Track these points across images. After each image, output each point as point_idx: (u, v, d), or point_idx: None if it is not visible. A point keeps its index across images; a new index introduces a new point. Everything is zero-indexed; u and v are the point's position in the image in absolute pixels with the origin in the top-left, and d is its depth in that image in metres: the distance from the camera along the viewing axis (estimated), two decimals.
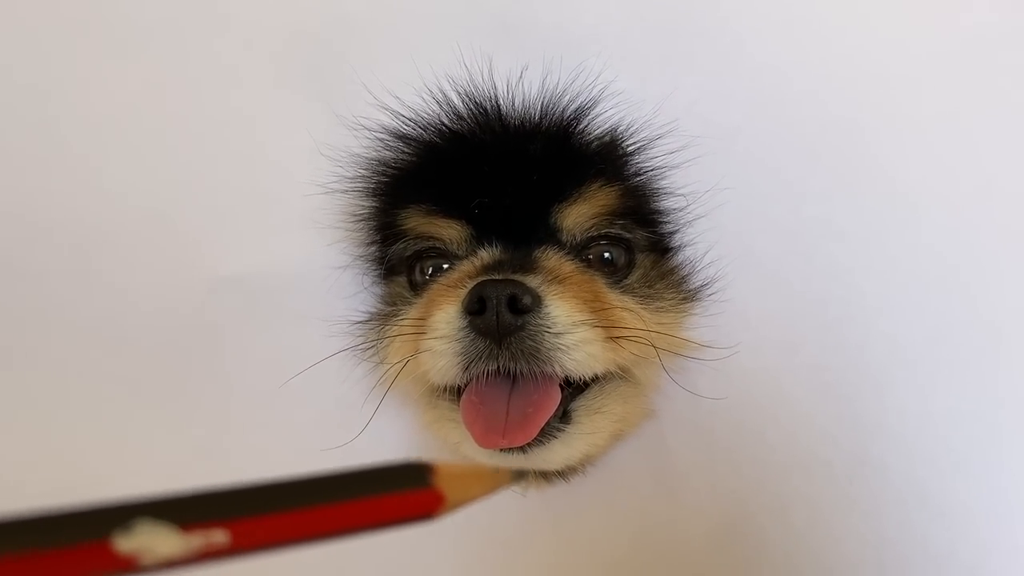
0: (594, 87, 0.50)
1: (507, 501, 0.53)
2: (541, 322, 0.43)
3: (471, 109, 0.48)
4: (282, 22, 0.53)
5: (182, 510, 0.21)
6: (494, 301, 0.42)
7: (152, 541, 0.20)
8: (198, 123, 0.55)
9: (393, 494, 0.24)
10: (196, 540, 0.20)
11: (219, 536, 0.21)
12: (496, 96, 0.48)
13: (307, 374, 0.51)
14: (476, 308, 0.43)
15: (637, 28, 0.57)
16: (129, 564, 0.20)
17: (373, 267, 0.54)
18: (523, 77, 0.49)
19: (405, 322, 0.49)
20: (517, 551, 0.54)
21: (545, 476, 0.53)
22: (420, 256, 0.53)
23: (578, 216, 0.49)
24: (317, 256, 0.54)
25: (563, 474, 0.53)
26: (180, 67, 0.56)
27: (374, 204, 0.52)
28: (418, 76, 0.49)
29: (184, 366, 0.54)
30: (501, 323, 0.42)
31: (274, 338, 0.55)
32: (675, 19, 0.58)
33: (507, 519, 0.54)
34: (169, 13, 0.56)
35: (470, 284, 0.45)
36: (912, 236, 0.55)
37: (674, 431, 0.54)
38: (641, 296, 0.50)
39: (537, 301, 0.43)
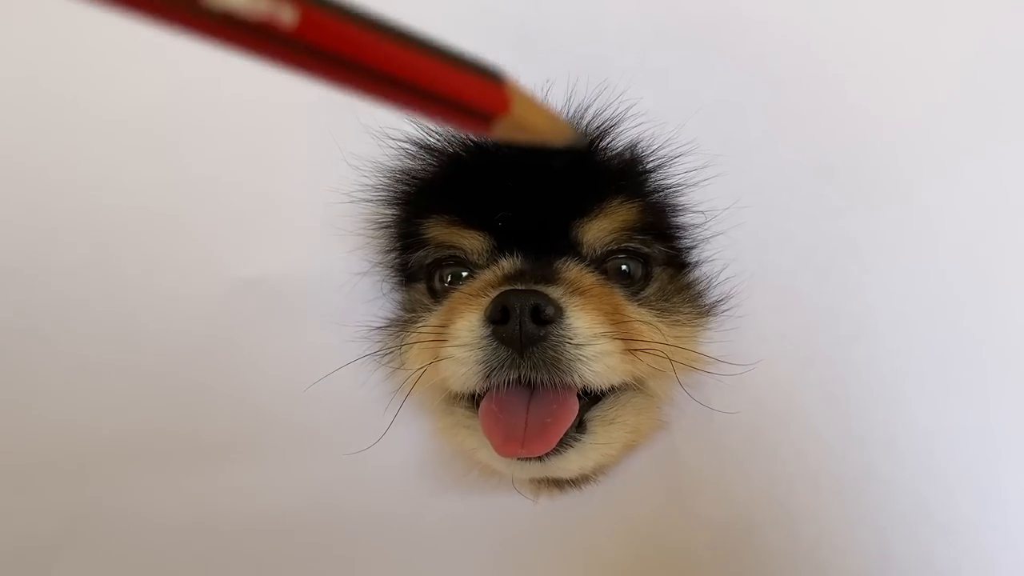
0: (617, 104, 0.53)
1: (519, 508, 0.56)
2: (563, 333, 0.46)
3: None
4: None
5: None
6: (517, 311, 0.45)
7: None
8: (222, 125, 0.58)
9: (465, 72, 0.24)
10: (263, 4, 0.20)
11: (287, 13, 0.20)
12: None
13: (325, 379, 0.54)
14: (499, 317, 0.46)
15: (658, 42, 0.60)
16: None
17: (393, 274, 0.57)
18: (548, 93, 0.51)
19: (425, 329, 0.51)
20: (527, 558, 0.56)
21: (558, 485, 0.55)
22: (440, 264, 0.55)
23: (598, 231, 0.52)
24: (337, 261, 0.57)
25: (575, 483, 0.55)
26: (206, 67, 0.59)
27: (397, 213, 0.54)
28: None
29: (201, 366, 0.56)
30: (524, 333, 0.45)
31: (292, 341, 0.57)
32: (696, 33, 0.61)
33: (518, 526, 0.57)
34: None
35: (493, 293, 0.47)
36: (927, 253, 0.58)
37: (686, 443, 0.57)
38: (658, 309, 0.53)
39: (559, 312, 0.46)
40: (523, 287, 0.47)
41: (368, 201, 0.54)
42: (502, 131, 0.25)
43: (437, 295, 0.55)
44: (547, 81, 0.54)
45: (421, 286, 0.57)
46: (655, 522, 0.57)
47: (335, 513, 0.56)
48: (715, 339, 0.55)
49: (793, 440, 0.56)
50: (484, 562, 0.56)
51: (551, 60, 0.58)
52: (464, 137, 0.51)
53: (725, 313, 0.55)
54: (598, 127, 0.51)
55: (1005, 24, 0.59)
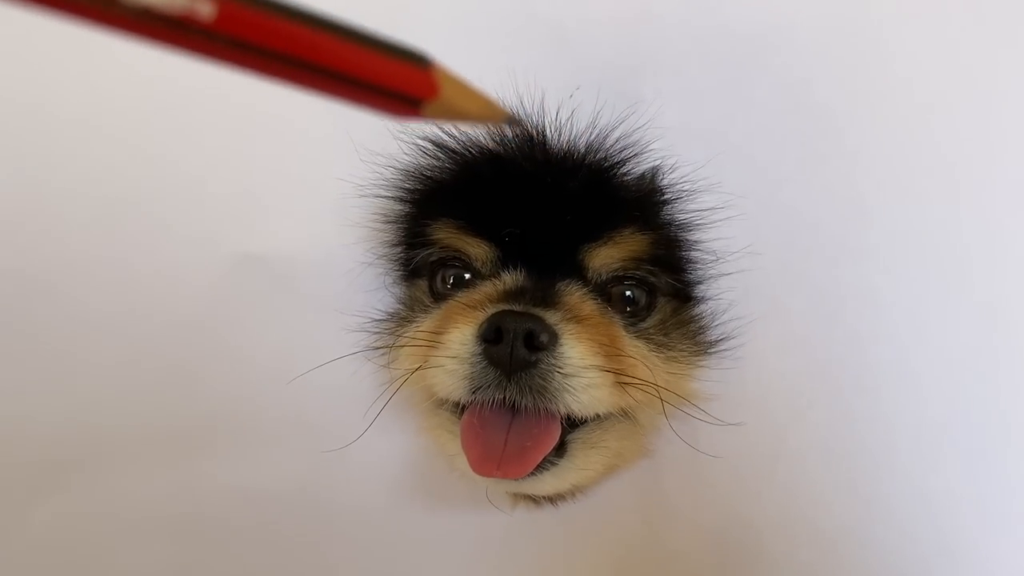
0: (643, 126, 0.51)
1: (493, 521, 0.56)
2: (554, 362, 0.45)
3: (516, 135, 0.49)
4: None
5: None
6: (511, 335, 0.45)
7: None
8: (242, 101, 0.57)
9: (390, 57, 0.24)
10: None
11: (205, 6, 0.21)
12: (543, 126, 0.49)
13: (316, 368, 0.54)
14: (492, 337, 0.45)
15: (697, 59, 0.58)
16: None
17: (396, 268, 0.57)
18: (573, 112, 0.50)
19: (419, 333, 0.51)
20: (499, 566, 0.57)
21: (534, 499, 0.56)
22: (444, 264, 0.55)
23: (606, 258, 0.51)
24: (342, 248, 0.57)
25: (552, 499, 0.56)
26: None
27: (405, 209, 0.54)
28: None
29: (195, 346, 0.56)
30: (515, 357, 0.45)
31: (288, 325, 0.58)
32: (738, 53, 0.58)
33: (493, 534, 0.57)
34: None
35: (490, 309, 0.47)
36: (947, 314, 0.56)
37: (670, 473, 0.57)
38: (656, 344, 0.52)
39: (553, 339, 0.46)
40: (521, 309, 0.47)
41: (378, 195, 0.53)
42: (431, 115, 0.26)
43: (438, 295, 0.55)
44: (574, 92, 0.53)
45: (423, 283, 0.56)
46: (629, 546, 0.57)
47: (315, 506, 0.56)
48: (712, 377, 0.55)
49: (778, 485, 0.56)
50: (457, 566, 0.57)
51: (583, 65, 0.57)
52: (482, 144, 0.50)
53: (725, 352, 0.54)
54: (620, 152, 0.50)
55: None
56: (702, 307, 0.55)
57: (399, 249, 0.56)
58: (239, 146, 0.57)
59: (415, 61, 0.25)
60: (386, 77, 0.24)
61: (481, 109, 0.27)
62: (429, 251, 0.54)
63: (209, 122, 0.57)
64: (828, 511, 0.55)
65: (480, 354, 0.46)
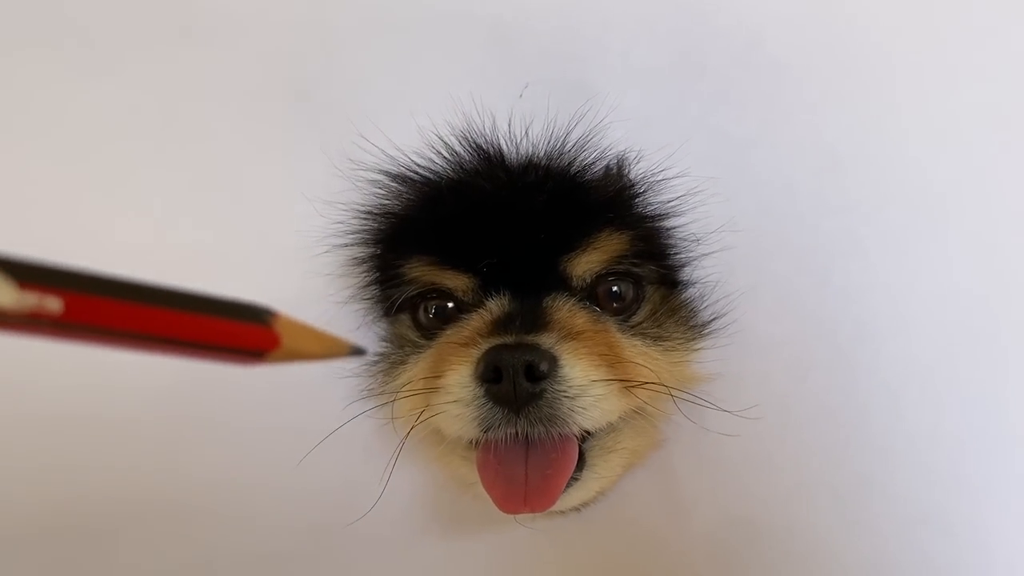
0: (601, 121, 0.49)
1: (516, 529, 0.56)
2: (558, 387, 0.45)
3: (473, 159, 0.47)
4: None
5: (23, 270, 0.22)
6: (511, 371, 0.44)
7: None
8: (202, 169, 0.54)
9: (231, 321, 0.27)
10: (30, 299, 0.22)
11: (53, 303, 0.23)
12: (498, 144, 0.47)
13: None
14: (492, 376, 0.44)
15: (643, 38, 0.56)
16: None
17: (375, 306, 0.55)
18: (525, 121, 0.48)
19: (415, 381, 0.50)
20: None
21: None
22: (424, 297, 0.53)
23: (588, 264, 0.50)
24: (320, 299, 0.55)
25: (576, 507, 0.55)
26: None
27: (376, 251, 0.52)
28: (415, 123, 0.48)
29: (186, 397, 0.55)
30: (519, 393, 0.44)
31: (279, 378, 0.56)
32: (685, 22, 0.57)
33: (516, 546, 0.57)
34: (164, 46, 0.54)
35: (483, 344, 0.46)
36: (936, 253, 0.56)
37: (683, 458, 0.57)
38: (651, 337, 0.51)
39: (553, 364, 0.45)
40: (513, 341, 0.45)
41: (346, 245, 0.51)
42: (275, 360, 0.28)
43: (423, 328, 0.53)
44: (525, 84, 0.51)
45: (406, 318, 0.55)
46: (653, 538, 0.57)
47: (334, 532, 0.55)
48: (712, 357, 0.54)
49: (789, 450, 0.56)
50: None
51: (528, 61, 0.55)
52: (442, 175, 0.48)
53: (721, 330, 0.54)
54: (582, 154, 0.48)
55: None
56: (691, 290, 0.54)
57: (375, 289, 0.54)
58: (208, 214, 0.55)
59: (256, 318, 0.27)
60: (229, 338, 0.27)
61: (323, 348, 0.30)
62: (406, 289, 0.53)
63: (171, 194, 0.54)
64: (842, 467, 0.55)
65: (483, 396, 0.45)
